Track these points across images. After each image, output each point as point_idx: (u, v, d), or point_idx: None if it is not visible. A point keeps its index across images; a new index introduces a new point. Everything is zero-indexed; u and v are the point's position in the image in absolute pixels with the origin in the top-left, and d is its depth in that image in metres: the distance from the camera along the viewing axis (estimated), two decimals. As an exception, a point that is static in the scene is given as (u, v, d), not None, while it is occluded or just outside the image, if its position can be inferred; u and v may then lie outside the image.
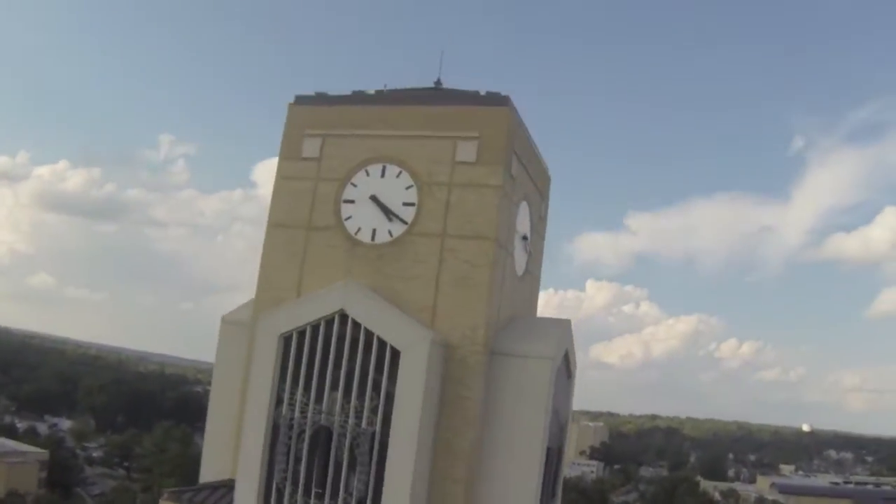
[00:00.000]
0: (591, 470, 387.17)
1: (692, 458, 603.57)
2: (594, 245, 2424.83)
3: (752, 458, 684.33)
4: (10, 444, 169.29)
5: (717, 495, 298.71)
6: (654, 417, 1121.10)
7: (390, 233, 47.47)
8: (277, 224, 49.76)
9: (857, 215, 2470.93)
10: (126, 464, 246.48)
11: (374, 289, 46.07)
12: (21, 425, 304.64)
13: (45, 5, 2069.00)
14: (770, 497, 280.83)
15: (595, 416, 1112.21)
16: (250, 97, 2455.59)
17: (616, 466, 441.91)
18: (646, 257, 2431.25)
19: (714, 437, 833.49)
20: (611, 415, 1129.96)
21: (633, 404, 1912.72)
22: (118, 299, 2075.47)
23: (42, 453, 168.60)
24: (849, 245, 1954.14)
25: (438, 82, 53.09)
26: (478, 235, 45.95)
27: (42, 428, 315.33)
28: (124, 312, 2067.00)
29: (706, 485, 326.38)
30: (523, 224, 52.19)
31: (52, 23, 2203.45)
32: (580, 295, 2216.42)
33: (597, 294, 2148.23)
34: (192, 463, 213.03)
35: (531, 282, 57.76)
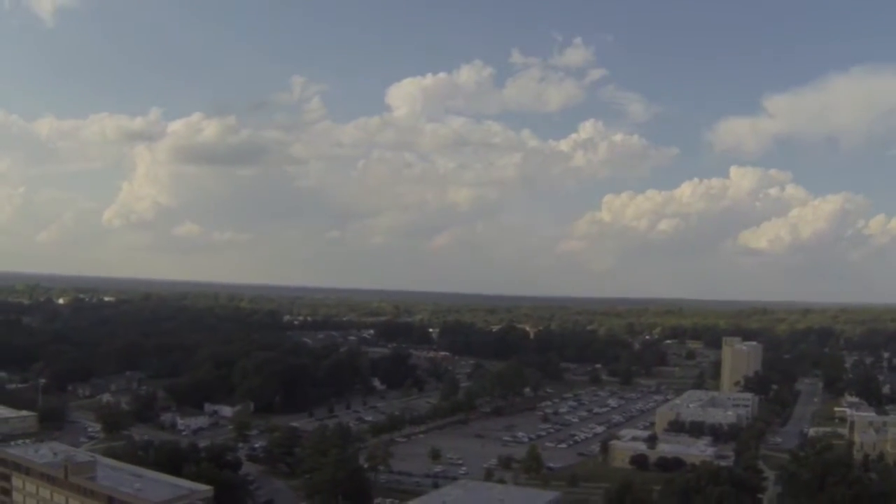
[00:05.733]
0: (745, 406, 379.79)
1: (847, 365, 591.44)
2: (734, 130, 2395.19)
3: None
4: (168, 485, 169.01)
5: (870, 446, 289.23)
6: (806, 312, 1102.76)
7: None
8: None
9: None
10: (289, 460, 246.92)
11: None
12: (182, 424, 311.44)
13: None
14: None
15: (749, 312, 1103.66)
16: (373, 23, 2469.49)
17: (770, 394, 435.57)
18: (786, 139, 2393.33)
19: (869, 335, 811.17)
20: (764, 312, 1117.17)
21: (785, 290, 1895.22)
22: (265, 238, 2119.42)
23: (206, 491, 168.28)
24: None
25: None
26: None
27: (203, 421, 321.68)
28: (272, 250, 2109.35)
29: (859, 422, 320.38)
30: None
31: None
32: (725, 182, 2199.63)
33: (741, 180, 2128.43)
34: (350, 465, 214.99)
35: None
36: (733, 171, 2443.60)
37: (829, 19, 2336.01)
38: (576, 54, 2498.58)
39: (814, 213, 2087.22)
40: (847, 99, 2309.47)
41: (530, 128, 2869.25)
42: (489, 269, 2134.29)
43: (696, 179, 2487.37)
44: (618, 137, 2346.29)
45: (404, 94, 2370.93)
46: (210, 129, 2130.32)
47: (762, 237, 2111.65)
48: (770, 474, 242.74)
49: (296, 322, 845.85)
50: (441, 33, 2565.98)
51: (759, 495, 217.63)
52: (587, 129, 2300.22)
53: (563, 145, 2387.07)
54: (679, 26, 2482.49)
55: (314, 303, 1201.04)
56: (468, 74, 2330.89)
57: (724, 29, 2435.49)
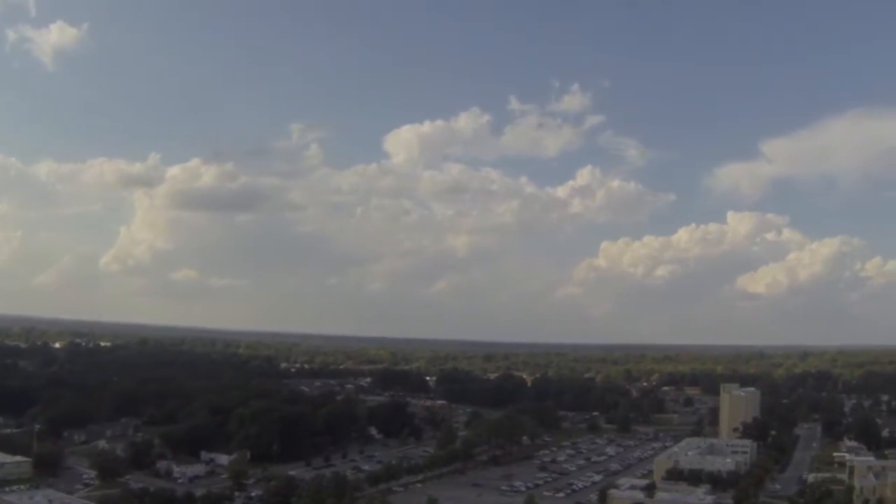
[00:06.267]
0: (744, 452, 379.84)
1: (846, 409, 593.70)
2: (731, 175, 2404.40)
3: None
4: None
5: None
6: (804, 356, 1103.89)
7: None
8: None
9: None
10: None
11: None
12: (178, 472, 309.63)
13: (162, 12, 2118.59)
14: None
15: (746, 357, 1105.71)
16: (371, 71, 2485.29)
17: (769, 440, 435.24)
18: (783, 183, 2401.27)
19: (868, 378, 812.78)
20: (762, 356, 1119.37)
21: (783, 334, 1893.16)
22: (263, 284, 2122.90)
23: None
24: None
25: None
26: None
27: (199, 469, 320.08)
28: (269, 297, 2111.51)
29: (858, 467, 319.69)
30: None
31: (170, 25, 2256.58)
32: (722, 227, 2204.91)
33: (738, 225, 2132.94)
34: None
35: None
36: (730, 215, 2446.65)
37: (826, 63, 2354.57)
38: (573, 101, 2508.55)
39: (811, 257, 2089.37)
40: (844, 142, 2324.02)
41: (528, 174, 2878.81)
42: (486, 316, 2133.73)
43: (693, 225, 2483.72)
44: (615, 184, 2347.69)
45: (402, 141, 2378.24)
46: (208, 175, 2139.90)
47: (760, 281, 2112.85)
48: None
49: (293, 369, 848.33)
50: (439, 80, 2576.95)
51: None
52: (584, 175, 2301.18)
53: (561, 192, 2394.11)
54: (676, 72, 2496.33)
55: (311, 350, 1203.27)
56: (466, 121, 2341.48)
57: (721, 74, 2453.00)
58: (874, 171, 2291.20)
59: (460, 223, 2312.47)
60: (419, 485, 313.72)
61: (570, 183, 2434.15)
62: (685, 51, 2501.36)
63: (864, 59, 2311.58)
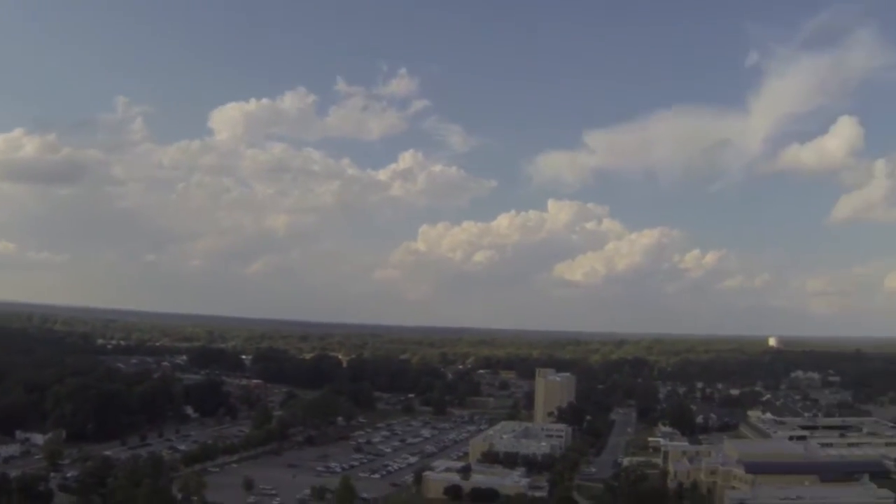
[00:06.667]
0: (559, 437, 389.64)
1: (661, 395, 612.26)
2: (553, 164, 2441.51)
3: (720, 387, 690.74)
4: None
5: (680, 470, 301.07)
6: (620, 343, 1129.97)
7: None
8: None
9: (814, 124, 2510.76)
10: (102, 491, 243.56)
11: None
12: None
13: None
14: (736, 470, 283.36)
15: (563, 343, 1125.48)
16: (200, 46, 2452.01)
17: (584, 425, 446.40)
18: (606, 173, 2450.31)
19: (683, 366, 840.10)
20: (578, 342, 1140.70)
21: (600, 322, 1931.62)
22: (81, 259, 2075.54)
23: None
24: (806, 154, 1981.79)
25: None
26: None
27: (14, 449, 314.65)
28: (87, 272, 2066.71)
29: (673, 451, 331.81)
30: None
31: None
32: (542, 215, 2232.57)
33: (558, 213, 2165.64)
34: (163, 497, 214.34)
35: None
36: (551, 203, 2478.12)
37: (651, 58, 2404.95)
38: (400, 84, 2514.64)
39: (630, 247, 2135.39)
40: (667, 136, 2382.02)
41: (351, 156, 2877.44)
42: (304, 296, 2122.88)
43: (513, 212, 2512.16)
44: (437, 168, 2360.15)
45: (227, 119, 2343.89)
46: (30, 146, 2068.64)
47: (578, 269, 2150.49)
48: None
49: (109, 346, 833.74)
50: (267, 59, 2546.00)
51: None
52: (407, 159, 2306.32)
53: (383, 175, 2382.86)
54: (503, 60, 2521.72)
55: (128, 326, 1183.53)
56: (292, 101, 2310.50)
57: (547, 64, 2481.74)
58: (695, 165, 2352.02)
59: (281, 203, 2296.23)
60: (235, 465, 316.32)
61: (392, 166, 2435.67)
62: (512, 39, 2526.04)
63: (688, 55, 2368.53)
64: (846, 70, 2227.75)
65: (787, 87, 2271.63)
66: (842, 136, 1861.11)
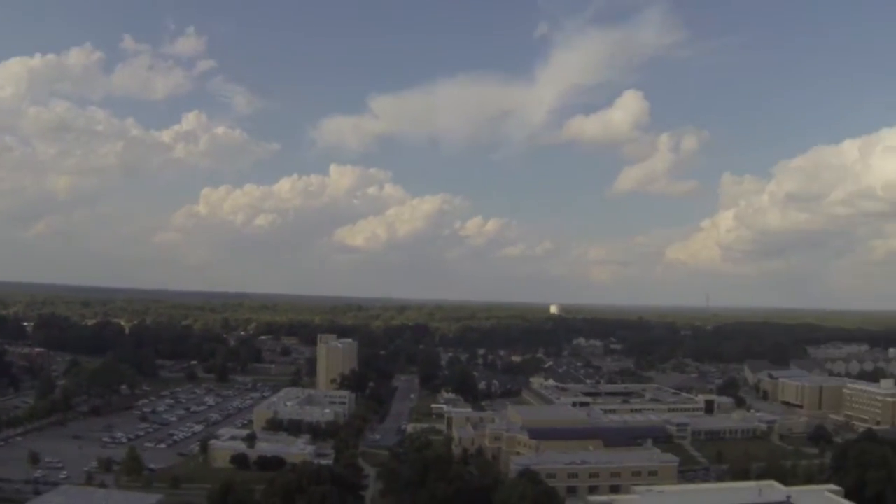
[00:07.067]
0: (342, 403, 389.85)
1: (443, 362, 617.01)
2: (337, 128, 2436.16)
3: (502, 353, 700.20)
4: None
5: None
6: (402, 309, 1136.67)
7: None
8: None
9: (600, 97, 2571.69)
10: None
11: None
12: None
13: None
14: (521, 436, 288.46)
15: (345, 308, 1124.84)
16: None
17: (367, 391, 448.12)
18: (389, 139, 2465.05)
19: (464, 332, 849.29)
20: (359, 308, 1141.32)
21: (381, 287, 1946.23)
22: None
23: None
24: (591, 126, 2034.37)
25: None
26: None
27: None
28: None
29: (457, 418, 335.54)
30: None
31: None
32: (324, 179, 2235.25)
33: (340, 177, 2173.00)
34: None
35: None
36: (333, 168, 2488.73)
37: (438, 24, 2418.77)
38: (187, 43, 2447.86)
39: (412, 213, 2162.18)
40: (451, 104, 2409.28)
41: (135, 116, 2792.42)
42: (86, 260, 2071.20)
43: (295, 175, 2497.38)
44: (220, 130, 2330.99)
45: (10, 74, 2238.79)
46: None
47: (359, 234, 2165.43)
48: (371, 471, 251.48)
49: None
50: (53, 13, 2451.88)
51: (362, 493, 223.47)
52: (190, 120, 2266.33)
53: (166, 136, 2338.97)
54: (293, 21, 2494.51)
55: None
56: (77, 57, 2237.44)
57: (335, 27, 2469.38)
58: (479, 133, 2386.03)
59: (63, 163, 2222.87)
60: (20, 438, 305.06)
61: (176, 127, 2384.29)
62: (302, 1, 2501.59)
63: (477, 23, 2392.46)
64: (634, 46, 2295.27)
65: (574, 59, 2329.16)
66: (627, 109, 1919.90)
